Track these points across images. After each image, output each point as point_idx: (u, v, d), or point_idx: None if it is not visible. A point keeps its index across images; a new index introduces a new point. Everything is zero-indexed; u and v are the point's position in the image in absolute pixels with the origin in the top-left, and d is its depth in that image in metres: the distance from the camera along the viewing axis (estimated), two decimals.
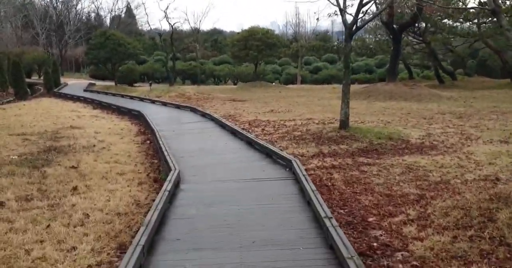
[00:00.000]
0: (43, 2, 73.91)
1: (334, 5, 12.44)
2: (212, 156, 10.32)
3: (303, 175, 7.40)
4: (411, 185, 8.22)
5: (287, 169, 8.66)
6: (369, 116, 17.75)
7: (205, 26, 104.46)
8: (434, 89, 28.49)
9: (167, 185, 6.83)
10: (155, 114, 18.26)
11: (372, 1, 13.95)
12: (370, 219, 6.47)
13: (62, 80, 50.41)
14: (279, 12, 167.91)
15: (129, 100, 25.67)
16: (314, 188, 6.61)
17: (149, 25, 68.78)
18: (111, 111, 21.36)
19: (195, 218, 5.95)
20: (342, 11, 12.96)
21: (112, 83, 41.17)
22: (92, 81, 47.02)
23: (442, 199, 7.29)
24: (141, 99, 24.88)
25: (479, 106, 20.82)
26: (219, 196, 6.96)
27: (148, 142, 12.91)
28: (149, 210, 6.23)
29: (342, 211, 6.79)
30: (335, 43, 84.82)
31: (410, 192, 7.78)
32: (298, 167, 8.08)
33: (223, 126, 14.34)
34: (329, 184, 8.21)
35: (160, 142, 10.78)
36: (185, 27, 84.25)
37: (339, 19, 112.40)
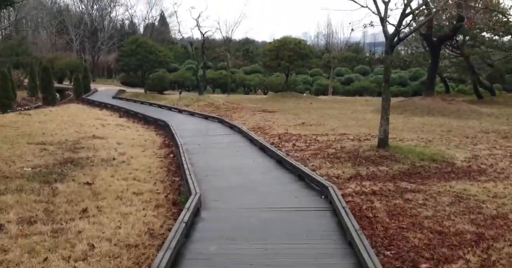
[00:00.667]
0: (78, 9, 75.20)
1: (375, 14, 11.43)
2: (238, 175, 9.42)
3: (343, 207, 6.39)
4: (465, 220, 7.12)
5: (323, 197, 7.67)
6: (407, 132, 16.55)
7: (237, 36, 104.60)
8: (473, 104, 26.96)
9: (185, 214, 5.95)
10: (181, 124, 17.55)
11: (416, 11, 12.87)
12: (423, 266, 5.41)
13: (94, 86, 50.83)
14: (311, 22, 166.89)
15: (157, 109, 25.11)
16: (357, 226, 5.59)
17: (181, 34, 68.81)
18: (137, 120, 20.79)
19: (214, 259, 5.03)
20: (383, 21, 11.93)
21: (142, 90, 40.99)
22: (123, 88, 47.05)
23: (505, 240, 6.18)
24: (169, 108, 24.28)
25: None
26: (243, 229, 6.04)
27: (172, 156, 12.12)
28: (163, 243, 5.36)
29: (388, 252, 5.75)
30: (367, 54, 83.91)
31: (465, 229, 6.68)
32: (336, 195, 7.07)
33: (251, 140, 13.45)
34: (371, 215, 7.17)
35: (183, 158, 9.97)
36: (217, 36, 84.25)
37: (371, 30, 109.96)
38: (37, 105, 28.94)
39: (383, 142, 11.93)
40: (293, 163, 9.87)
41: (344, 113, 24.60)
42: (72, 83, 38.54)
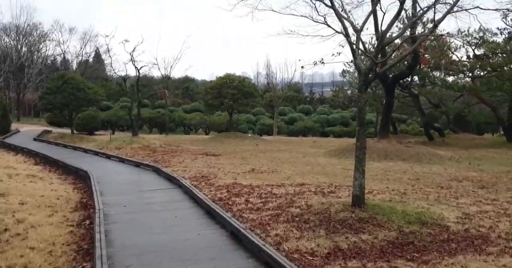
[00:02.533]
0: (3, 44, 70.03)
1: (353, 44, 9.37)
2: (176, 264, 6.65)
3: None
4: None
5: None
6: (373, 182, 14.51)
7: (176, 73, 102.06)
8: (426, 146, 25.78)
9: None
10: (107, 175, 14.55)
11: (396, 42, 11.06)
12: None
13: (17, 126, 46.06)
14: (250, 62, 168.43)
15: (82, 154, 21.71)
16: None
17: (113, 69, 65.32)
18: (55, 168, 17.42)
19: None
20: (355, 53, 9.94)
21: (70, 131, 37.11)
22: (49, 128, 42.78)
23: None
24: (96, 153, 20.99)
25: (490, 170, 17.95)
26: None
27: (88, 222, 9.15)
28: None
29: None
30: (307, 94, 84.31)
31: None
32: None
33: (194, 198, 10.71)
34: None
35: (97, 234, 7.13)
36: (155, 73, 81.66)
37: (309, 71, 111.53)
38: None
39: (358, 199, 9.65)
40: (256, 241, 7.24)
41: (295, 156, 22.45)
42: None
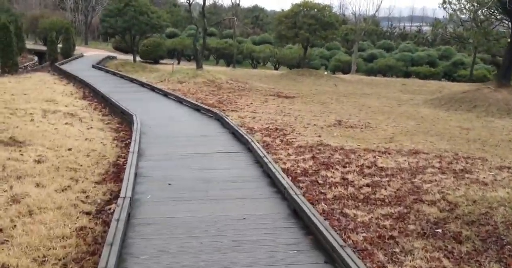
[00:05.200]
0: None
1: None
2: None
3: None
4: None
5: None
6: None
7: (245, 3, 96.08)
8: None
9: None
10: (157, 123, 11.45)
11: None
12: None
13: (83, 50, 44.45)
14: None
15: (137, 88, 18.77)
16: None
17: None
18: (102, 105, 14.62)
19: None
20: None
21: (137, 58, 34.62)
22: (113, 54, 40.76)
23: None
24: (152, 89, 17.94)
25: None
26: None
27: (112, 209, 6.08)
28: None
29: None
30: (385, 29, 76.42)
31: None
32: None
33: (270, 176, 7.22)
34: None
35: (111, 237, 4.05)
36: (225, 1, 77.06)
37: (386, 3, 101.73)
38: None
39: None
40: None
41: (386, 104, 18.42)
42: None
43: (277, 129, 11.99)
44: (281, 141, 10.62)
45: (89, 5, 60.41)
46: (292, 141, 10.57)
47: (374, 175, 8.00)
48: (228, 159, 8.32)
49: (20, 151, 8.62)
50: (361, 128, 12.82)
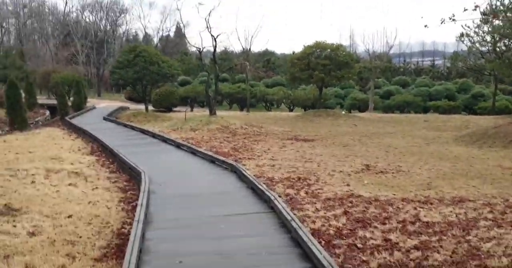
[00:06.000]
0: (88, 19, 69.63)
1: None
2: None
3: None
4: None
5: None
6: None
7: (255, 47, 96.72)
8: None
9: None
10: (169, 179, 10.34)
11: None
12: None
13: (96, 101, 44.41)
14: (330, 35, 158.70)
15: (148, 140, 17.79)
16: None
17: (188, 41, 61.59)
18: (110, 160, 13.66)
19: None
20: None
21: (150, 107, 34.20)
22: (126, 104, 40.55)
23: None
24: (164, 140, 16.93)
25: None
26: None
27: None
28: None
29: None
30: (398, 65, 75.74)
31: None
32: None
33: (300, 245, 5.96)
34: None
35: None
36: (234, 46, 77.84)
37: (396, 40, 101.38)
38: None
39: None
40: None
41: (413, 143, 17.21)
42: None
43: (300, 178, 10.86)
44: (306, 193, 9.47)
45: (100, 58, 61.35)
46: (319, 193, 9.41)
47: (421, 234, 6.77)
48: (248, 222, 7.13)
49: (14, 221, 7.61)
50: (393, 173, 11.62)
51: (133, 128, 21.41)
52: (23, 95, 32.49)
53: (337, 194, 9.30)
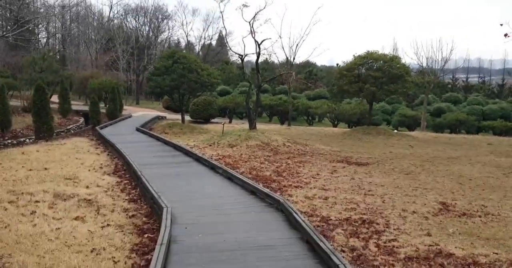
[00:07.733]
0: (130, 25, 69.43)
1: None
2: None
3: None
4: None
5: None
6: None
7: (297, 59, 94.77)
8: None
9: None
10: (197, 221, 8.10)
11: None
12: None
13: (133, 109, 43.19)
14: (372, 46, 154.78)
15: (180, 158, 15.59)
16: None
17: (229, 47, 59.74)
18: (133, 184, 11.63)
19: None
20: None
21: (187, 117, 32.42)
22: (163, 114, 39.04)
23: None
24: (197, 159, 14.74)
25: None
26: None
27: None
28: None
29: None
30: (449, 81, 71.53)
31: None
32: None
33: None
34: None
35: None
36: (278, 55, 75.69)
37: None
38: (18, 140, 20.86)
39: None
40: None
41: (489, 173, 14.50)
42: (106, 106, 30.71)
43: (363, 221, 8.57)
44: (377, 246, 7.19)
45: (141, 64, 60.57)
46: (394, 248, 7.10)
47: None
48: None
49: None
50: (479, 216, 9.16)
51: (166, 142, 19.46)
52: (57, 100, 31.74)
53: (419, 250, 7.01)
